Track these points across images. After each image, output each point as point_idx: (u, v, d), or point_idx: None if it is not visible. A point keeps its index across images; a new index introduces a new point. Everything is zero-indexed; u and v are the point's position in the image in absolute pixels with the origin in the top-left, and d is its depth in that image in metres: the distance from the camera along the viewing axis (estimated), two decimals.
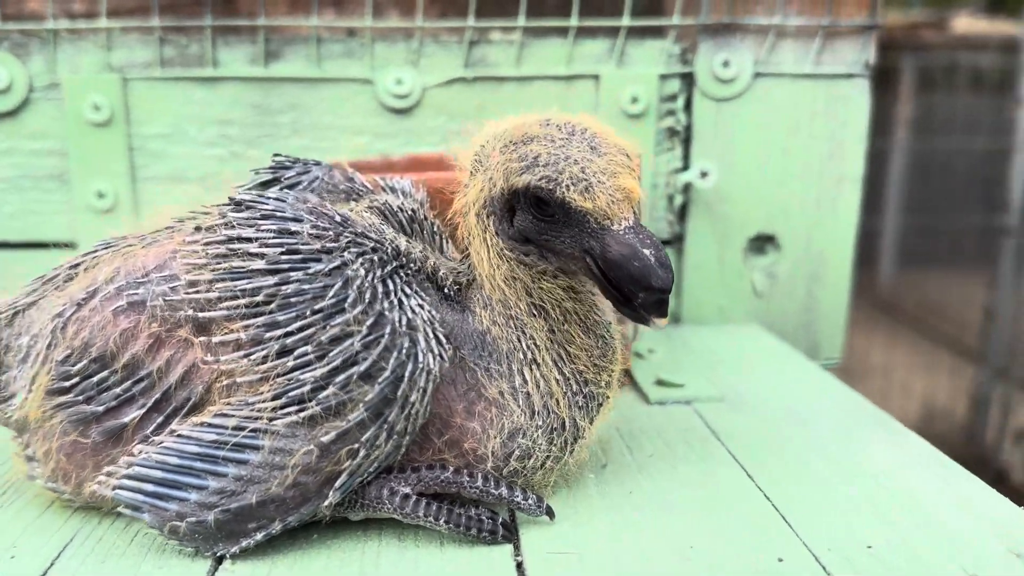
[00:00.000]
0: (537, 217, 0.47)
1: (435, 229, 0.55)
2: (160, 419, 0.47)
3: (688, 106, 0.89)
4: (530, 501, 0.48)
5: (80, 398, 0.47)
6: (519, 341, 0.49)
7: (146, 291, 0.47)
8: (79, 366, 0.47)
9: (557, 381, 0.49)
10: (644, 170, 0.87)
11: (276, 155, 0.56)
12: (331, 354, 0.44)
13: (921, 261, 2.20)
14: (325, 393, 0.43)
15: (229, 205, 0.49)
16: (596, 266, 0.46)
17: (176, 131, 0.85)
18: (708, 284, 0.92)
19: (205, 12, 0.83)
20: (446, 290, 0.50)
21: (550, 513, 0.48)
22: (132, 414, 0.47)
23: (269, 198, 0.48)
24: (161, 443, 0.46)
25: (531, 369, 0.48)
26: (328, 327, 0.44)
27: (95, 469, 0.48)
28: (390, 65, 0.85)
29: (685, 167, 0.90)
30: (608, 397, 0.51)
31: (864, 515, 0.49)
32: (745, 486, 0.53)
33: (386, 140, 0.86)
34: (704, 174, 0.88)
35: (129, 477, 0.46)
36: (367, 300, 0.45)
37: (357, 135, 0.86)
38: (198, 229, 0.49)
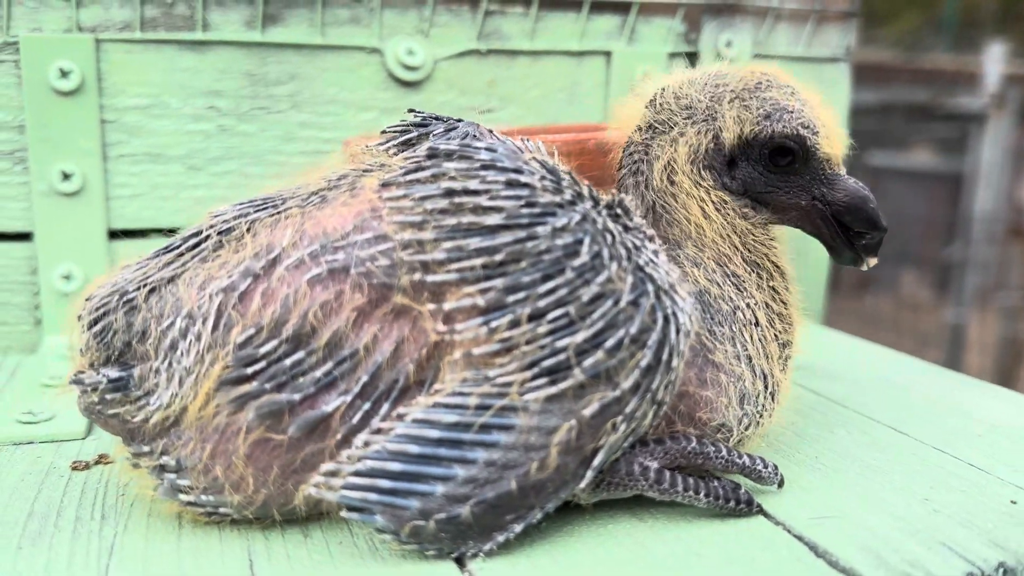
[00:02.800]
0: (770, 168, 0.46)
1: None
2: (367, 407, 0.40)
3: None
4: (769, 469, 0.45)
5: (268, 386, 0.39)
6: (739, 299, 0.46)
7: (348, 256, 0.40)
8: (267, 347, 0.39)
9: (772, 341, 0.47)
10: None
11: (411, 110, 0.50)
12: (593, 316, 0.39)
13: None
14: (593, 359, 0.38)
15: (422, 157, 0.43)
16: (828, 211, 0.47)
17: (157, 103, 0.74)
18: None
19: None
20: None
21: (781, 482, 0.46)
22: (335, 402, 0.40)
23: (479, 147, 0.42)
24: (391, 431, 0.39)
25: (752, 329, 0.46)
26: (589, 285, 0.39)
27: (285, 471, 0.40)
28: (399, 34, 0.79)
29: None
30: (793, 354, 0.50)
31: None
32: (908, 443, 0.53)
33: (394, 116, 0.79)
34: None
35: (359, 474, 0.38)
36: (623, 255, 0.40)
37: (363, 110, 0.79)
38: (387, 185, 0.42)
